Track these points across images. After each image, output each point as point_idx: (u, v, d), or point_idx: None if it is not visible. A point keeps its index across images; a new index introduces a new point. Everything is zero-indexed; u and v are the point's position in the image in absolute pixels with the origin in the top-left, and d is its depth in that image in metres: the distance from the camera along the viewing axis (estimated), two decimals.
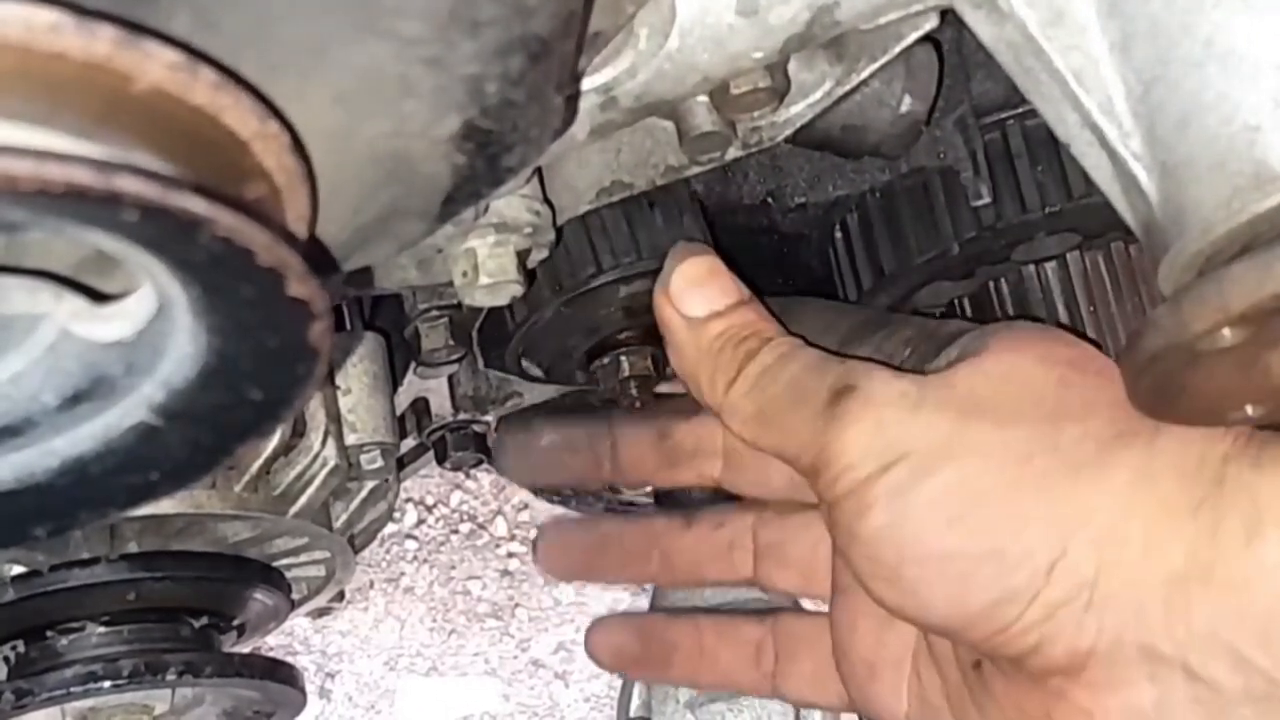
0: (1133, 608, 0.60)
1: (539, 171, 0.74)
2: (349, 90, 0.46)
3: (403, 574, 2.44)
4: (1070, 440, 0.62)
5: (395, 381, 1.00)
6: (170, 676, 0.85)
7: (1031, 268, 0.86)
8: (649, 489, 1.14)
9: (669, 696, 0.92)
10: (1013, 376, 0.64)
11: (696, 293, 0.72)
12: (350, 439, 0.93)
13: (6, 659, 0.88)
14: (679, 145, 0.71)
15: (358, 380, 0.94)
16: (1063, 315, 0.85)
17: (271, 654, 1.26)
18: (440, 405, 1.08)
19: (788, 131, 0.74)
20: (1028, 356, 0.65)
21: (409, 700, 2.44)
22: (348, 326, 0.97)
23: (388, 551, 2.43)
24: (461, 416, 1.07)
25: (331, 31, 0.44)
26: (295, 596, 1.01)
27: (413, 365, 0.98)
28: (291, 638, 2.36)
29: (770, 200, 0.92)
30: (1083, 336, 0.85)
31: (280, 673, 0.93)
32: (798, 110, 0.73)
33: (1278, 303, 0.52)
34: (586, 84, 0.65)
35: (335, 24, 0.44)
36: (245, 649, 1.01)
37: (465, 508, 2.47)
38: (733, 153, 0.74)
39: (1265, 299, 0.52)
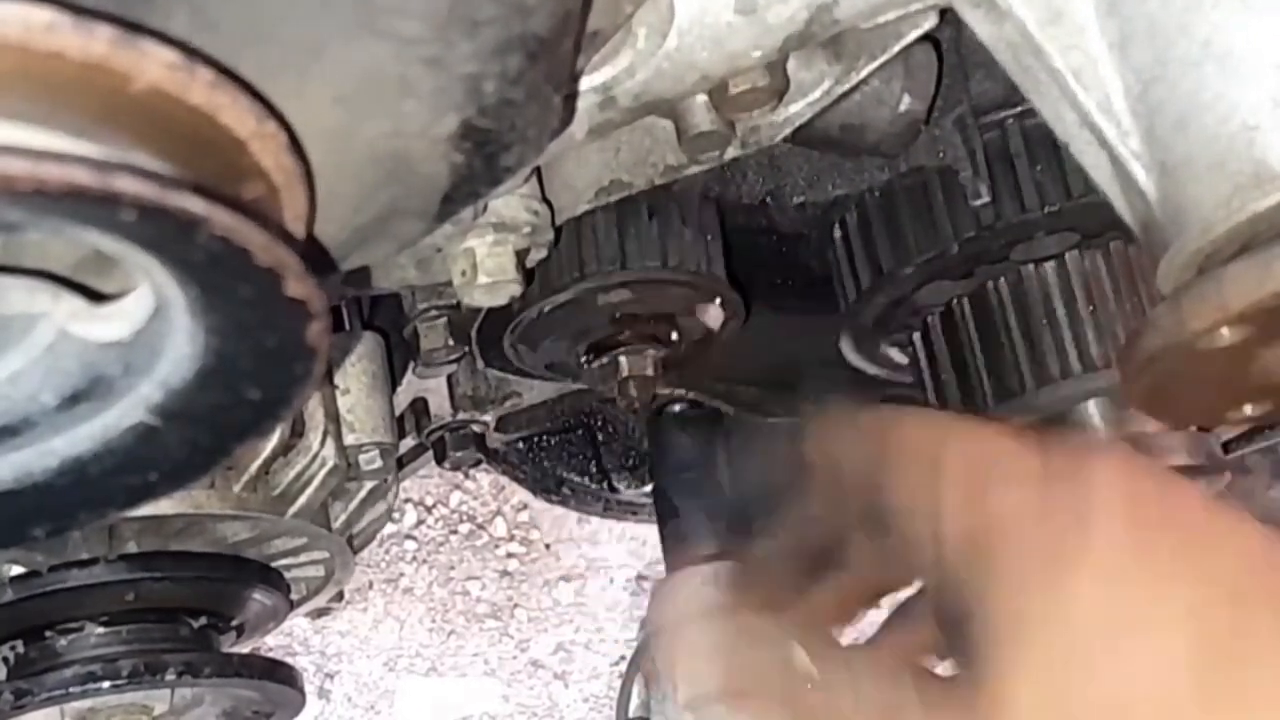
0: None
1: (538, 171, 0.74)
2: (348, 90, 0.46)
3: (402, 574, 2.44)
4: None
5: (394, 381, 1.00)
6: (169, 677, 0.85)
7: (1030, 267, 0.86)
8: (649, 489, 1.13)
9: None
10: None
11: None
12: (349, 439, 0.93)
13: (6, 659, 0.89)
14: (678, 144, 0.71)
15: (356, 380, 0.94)
16: (1062, 315, 0.85)
17: (271, 654, 1.26)
18: (439, 405, 1.08)
19: (786, 130, 0.74)
20: None
21: (408, 701, 2.44)
22: (346, 326, 0.97)
23: (387, 552, 2.43)
24: (460, 416, 1.07)
25: (330, 31, 0.44)
26: (294, 597, 1.01)
27: (412, 365, 0.98)
28: (291, 638, 2.36)
29: (769, 200, 0.92)
30: (1082, 336, 0.85)
31: (279, 673, 0.93)
32: (797, 109, 0.73)
33: (1277, 301, 0.52)
34: (585, 83, 0.65)
35: (334, 24, 0.44)
36: (244, 649, 1.01)
37: (464, 508, 2.47)
38: (731, 152, 0.74)
39: (1265, 298, 0.52)
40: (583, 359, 0.92)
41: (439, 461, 1.10)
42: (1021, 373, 0.86)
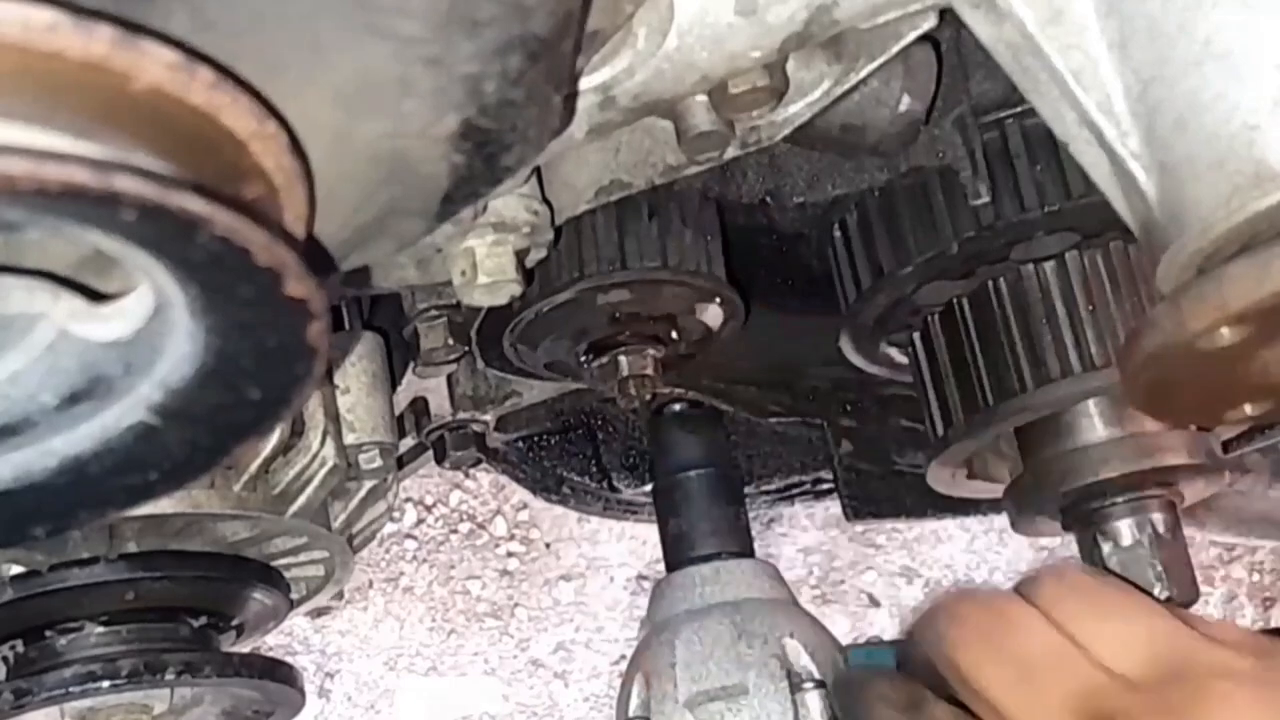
0: None
1: (537, 171, 0.74)
2: (348, 89, 0.46)
3: (402, 574, 2.45)
4: None
5: (394, 381, 1.00)
6: (169, 676, 0.85)
7: (1030, 267, 0.86)
8: (649, 488, 1.14)
9: (668, 696, 0.92)
10: None
11: None
12: (349, 438, 0.93)
13: (6, 659, 0.89)
14: (677, 144, 0.71)
15: (356, 380, 0.94)
16: (1061, 314, 0.86)
17: (271, 653, 1.26)
18: (439, 405, 1.08)
19: (786, 130, 0.74)
20: None
21: (408, 700, 2.44)
22: (346, 326, 0.97)
23: (387, 551, 2.44)
24: (460, 416, 1.07)
25: (330, 31, 0.44)
26: (294, 596, 1.01)
27: (411, 365, 0.98)
28: (291, 637, 2.36)
29: (769, 200, 0.91)
30: (1081, 335, 0.85)
31: (279, 672, 0.93)
32: (796, 109, 0.73)
33: (1277, 301, 0.52)
34: (585, 83, 0.65)
35: (334, 24, 0.44)
36: (244, 648, 1.01)
37: (464, 507, 2.47)
38: (731, 152, 0.74)
39: (1265, 298, 0.52)
40: (582, 359, 0.92)
41: (439, 461, 1.10)
42: (1021, 372, 0.86)
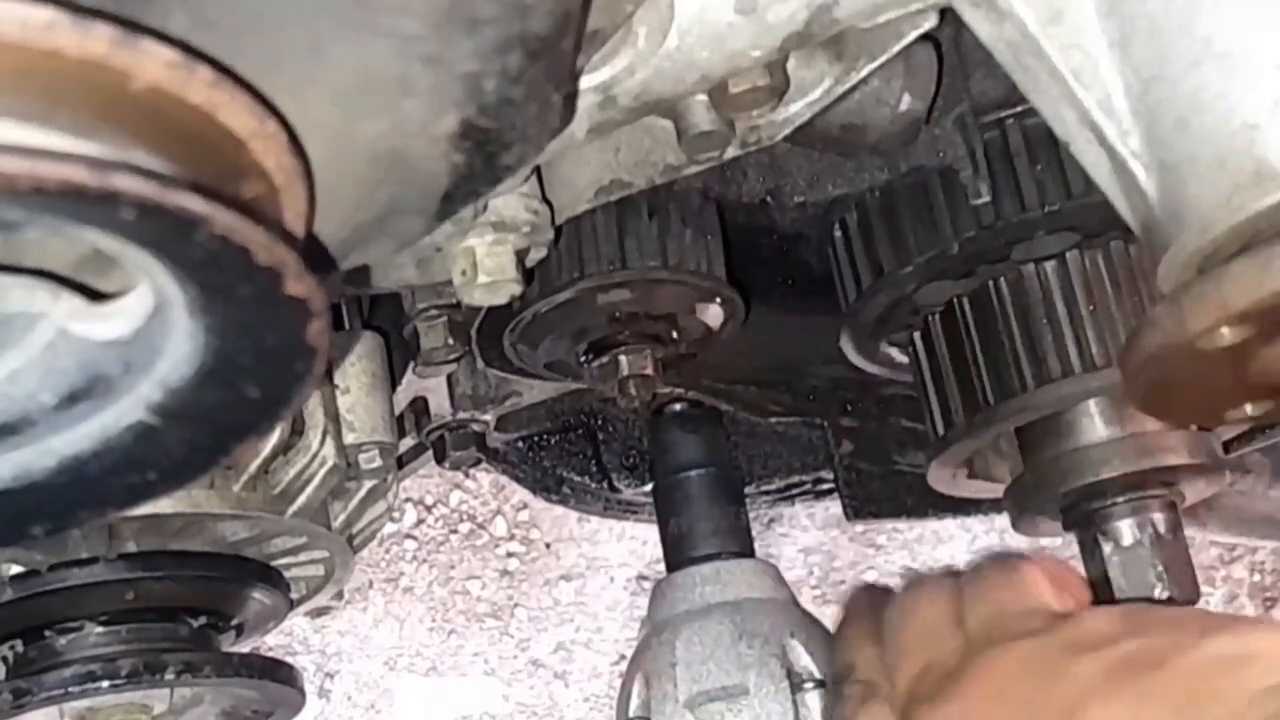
0: None
1: (537, 170, 0.74)
2: (347, 88, 0.46)
3: (402, 574, 2.45)
4: None
5: (394, 381, 1.00)
6: (169, 676, 0.85)
7: (1031, 266, 0.86)
8: (649, 488, 1.13)
9: (668, 696, 0.92)
10: None
11: None
12: (349, 438, 0.93)
13: (5, 659, 0.89)
14: (678, 144, 0.71)
15: (356, 379, 0.94)
16: (1062, 314, 0.85)
17: (271, 653, 1.26)
18: (439, 404, 1.08)
19: (787, 130, 0.74)
20: None
21: (408, 700, 2.44)
22: (346, 325, 0.97)
23: (387, 551, 2.44)
24: (460, 416, 1.07)
25: (329, 29, 0.44)
26: (294, 596, 1.01)
27: (411, 364, 0.98)
28: (291, 637, 2.36)
29: (769, 199, 0.91)
30: (1082, 335, 0.85)
31: (279, 672, 0.93)
32: (797, 109, 0.73)
33: (1278, 300, 0.52)
34: (585, 82, 0.65)
35: (333, 22, 0.44)
36: (244, 648, 1.01)
37: (465, 507, 2.47)
38: (731, 151, 0.74)
39: (1265, 297, 0.52)
40: (583, 358, 0.92)
41: (439, 461, 1.10)
42: (1022, 372, 0.86)
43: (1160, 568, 0.88)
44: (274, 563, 0.96)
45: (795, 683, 0.90)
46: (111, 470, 0.47)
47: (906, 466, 1.13)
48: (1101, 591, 0.88)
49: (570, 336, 0.91)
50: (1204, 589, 0.94)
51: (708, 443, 1.05)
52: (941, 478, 0.97)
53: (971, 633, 0.77)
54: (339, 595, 1.07)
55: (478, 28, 0.45)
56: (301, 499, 0.89)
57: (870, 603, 0.86)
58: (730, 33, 0.65)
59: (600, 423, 1.19)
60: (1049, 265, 0.86)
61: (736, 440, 1.16)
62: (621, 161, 0.77)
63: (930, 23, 0.70)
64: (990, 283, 0.88)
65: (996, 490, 0.98)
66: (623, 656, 2.34)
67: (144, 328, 0.43)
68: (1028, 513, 0.93)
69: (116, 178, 0.35)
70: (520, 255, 0.72)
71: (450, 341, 0.90)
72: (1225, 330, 0.54)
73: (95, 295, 0.43)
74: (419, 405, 1.08)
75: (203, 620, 0.92)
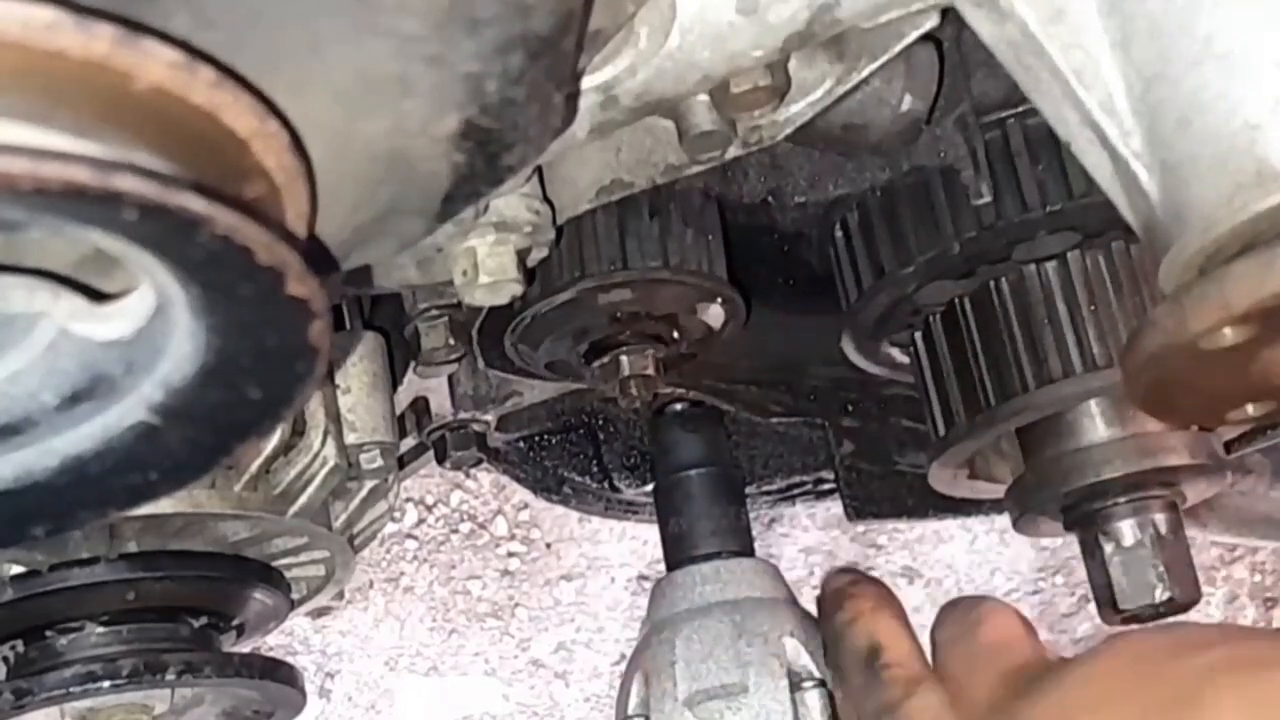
0: None
1: (539, 170, 0.74)
2: (348, 88, 0.46)
3: (403, 574, 2.45)
4: None
5: (395, 381, 1.00)
6: (169, 676, 0.85)
7: (1032, 266, 0.86)
8: (650, 488, 1.13)
9: (667, 694, 0.92)
10: None
11: None
12: (350, 438, 0.93)
13: (6, 659, 0.88)
14: (679, 144, 0.71)
15: (357, 379, 0.94)
16: (1063, 314, 0.85)
17: (271, 654, 1.26)
18: (440, 404, 1.08)
19: (788, 130, 0.74)
20: None
21: (409, 700, 2.44)
22: (347, 325, 0.97)
23: (388, 551, 2.44)
24: (461, 416, 1.07)
25: (330, 29, 0.44)
26: (295, 596, 1.01)
27: (412, 365, 0.98)
28: (291, 637, 2.36)
29: (770, 199, 0.91)
30: (1083, 335, 0.85)
31: (280, 672, 0.93)
32: (798, 109, 0.73)
33: (1279, 301, 0.52)
34: (586, 82, 0.65)
35: (334, 22, 0.44)
36: (245, 649, 1.01)
37: (465, 507, 2.47)
38: (733, 151, 0.74)
39: (1267, 297, 0.52)
40: (584, 358, 0.92)
41: (440, 461, 1.10)
42: (1023, 372, 0.86)
43: (1161, 568, 0.88)
44: (275, 563, 0.96)
45: (794, 681, 0.90)
46: (113, 470, 0.47)
47: (907, 467, 1.13)
48: (1102, 592, 0.88)
49: (571, 336, 0.91)
50: (1205, 589, 0.94)
51: (708, 442, 1.05)
52: (942, 478, 0.97)
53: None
54: (340, 595, 1.07)
55: (479, 28, 0.45)
56: (303, 499, 0.89)
57: (864, 587, 0.87)
58: (732, 33, 0.65)
59: (601, 423, 1.19)
60: (1050, 265, 0.86)
61: (737, 440, 1.16)
62: (623, 161, 0.77)
63: (931, 23, 0.70)
64: (991, 283, 0.88)
65: (997, 491, 0.98)
66: (623, 656, 2.34)
67: (145, 328, 0.43)
68: (1029, 513, 0.93)
69: (118, 178, 0.35)
70: (521, 255, 0.72)
71: (451, 342, 0.90)
72: (1227, 331, 0.54)
73: (97, 295, 0.43)
74: (420, 405, 1.08)
75: (204, 620, 0.92)
